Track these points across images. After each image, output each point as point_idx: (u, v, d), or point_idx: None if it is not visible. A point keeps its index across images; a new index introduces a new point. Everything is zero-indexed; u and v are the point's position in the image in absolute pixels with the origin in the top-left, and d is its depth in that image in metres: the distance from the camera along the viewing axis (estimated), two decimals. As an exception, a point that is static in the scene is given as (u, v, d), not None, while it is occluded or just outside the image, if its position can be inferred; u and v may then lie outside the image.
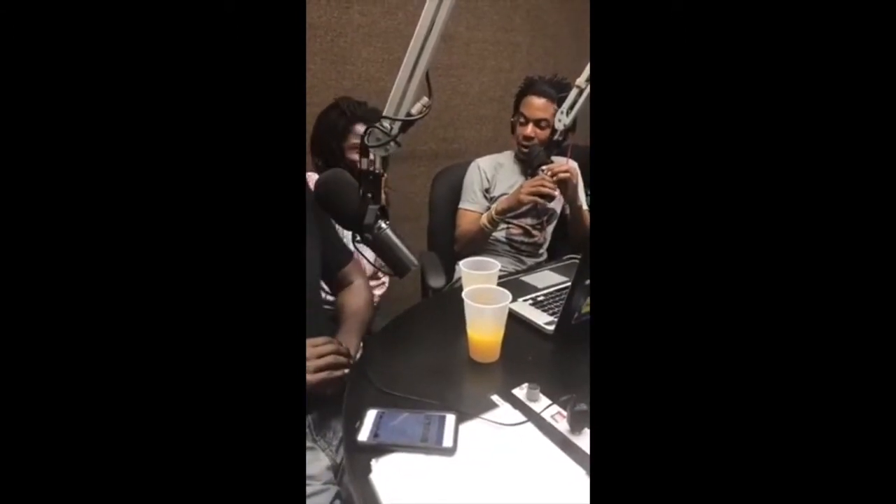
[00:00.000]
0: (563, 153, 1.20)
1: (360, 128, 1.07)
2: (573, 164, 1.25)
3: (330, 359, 0.64)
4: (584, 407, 0.53)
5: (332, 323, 0.86)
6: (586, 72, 0.98)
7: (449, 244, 1.31)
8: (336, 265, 0.90)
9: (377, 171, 0.66)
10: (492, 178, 1.27)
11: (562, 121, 1.06)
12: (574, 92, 1.02)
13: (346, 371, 0.66)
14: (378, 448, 0.51)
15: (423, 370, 0.68)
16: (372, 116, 1.07)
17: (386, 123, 0.62)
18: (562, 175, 1.10)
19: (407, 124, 0.62)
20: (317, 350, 0.64)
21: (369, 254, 1.12)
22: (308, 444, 0.69)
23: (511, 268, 1.26)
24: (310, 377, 0.62)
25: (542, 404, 0.59)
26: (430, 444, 0.52)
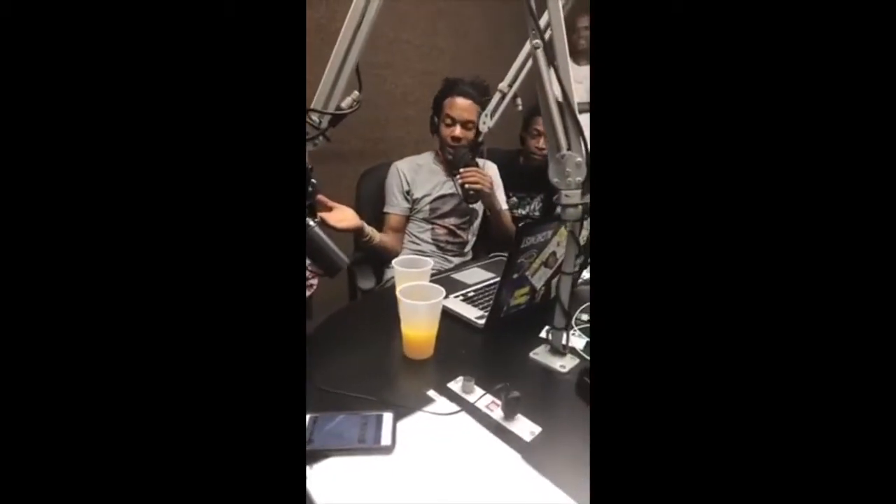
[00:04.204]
0: (480, 155, 1.24)
1: None
2: (492, 172, 1.29)
3: None
4: (517, 394, 0.56)
5: None
6: (509, 76, 1.02)
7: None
8: None
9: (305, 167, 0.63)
10: (411, 179, 1.28)
11: (486, 124, 1.10)
12: (497, 96, 1.06)
13: None
14: (312, 455, 0.49)
15: (359, 371, 0.67)
16: None
17: (314, 117, 0.60)
18: (474, 187, 1.13)
19: (337, 118, 0.60)
20: None
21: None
22: None
23: (438, 267, 1.27)
24: None
25: (477, 395, 0.61)
26: (369, 444, 0.51)
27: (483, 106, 1.16)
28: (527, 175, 1.47)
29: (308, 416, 0.54)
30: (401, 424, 0.54)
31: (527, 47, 0.94)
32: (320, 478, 0.47)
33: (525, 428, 0.55)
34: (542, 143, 1.42)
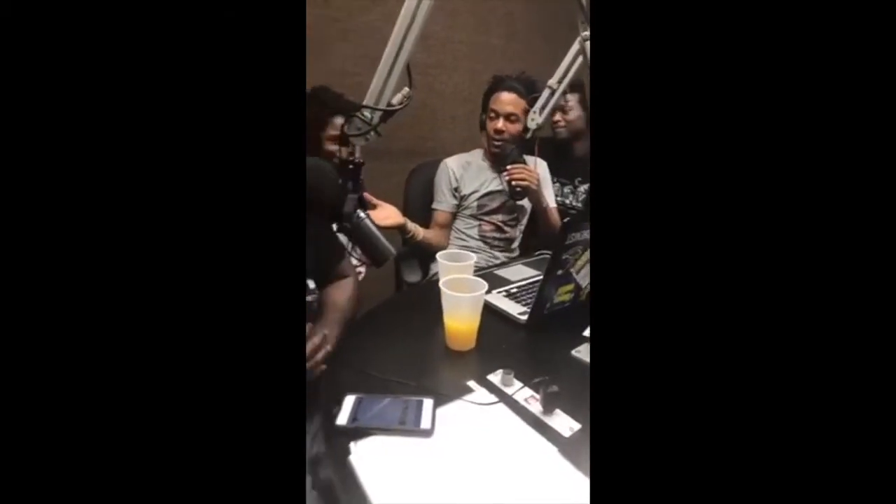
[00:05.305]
0: (531, 151, 1.23)
1: (339, 120, 1.07)
2: (540, 169, 1.28)
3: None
4: (556, 389, 0.56)
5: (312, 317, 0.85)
6: (558, 73, 1.01)
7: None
8: (336, 260, 0.88)
9: (357, 161, 0.67)
10: (460, 176, 1.29)
11: (535, 120, 1.09)
12: (546, 92, 1.05)
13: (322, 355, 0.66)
14: (357, 432, 0.52)
15: (401, 358, 0.69)
16: (351, 109, 1.07)
17: (367, 113, 0.63)
18: (521, 184, 1.13)
19: (388, 114, 0.63)
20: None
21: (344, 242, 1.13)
22: None
23: (484, 263, 1.28)
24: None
25: (516, 388, 0.61)
26: (409, 427, 0.53)
27: (529, 101, 1.16)
28: (559, 157, 1.44)
29: (353, 397, 0.57)
30: (440, 411, 0.56)
31: (576, 44, 0.93)
32: (362, 453, 0.49)
33: (564, 423, 0.55)
34: (557, 115, 1.42)
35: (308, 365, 0.63)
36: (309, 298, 0.94)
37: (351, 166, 0.67)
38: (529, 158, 1.22)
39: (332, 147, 1.09)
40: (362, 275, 1.27)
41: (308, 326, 0.66)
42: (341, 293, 0.86)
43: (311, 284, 0.92)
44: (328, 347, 0.65)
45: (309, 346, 0.64)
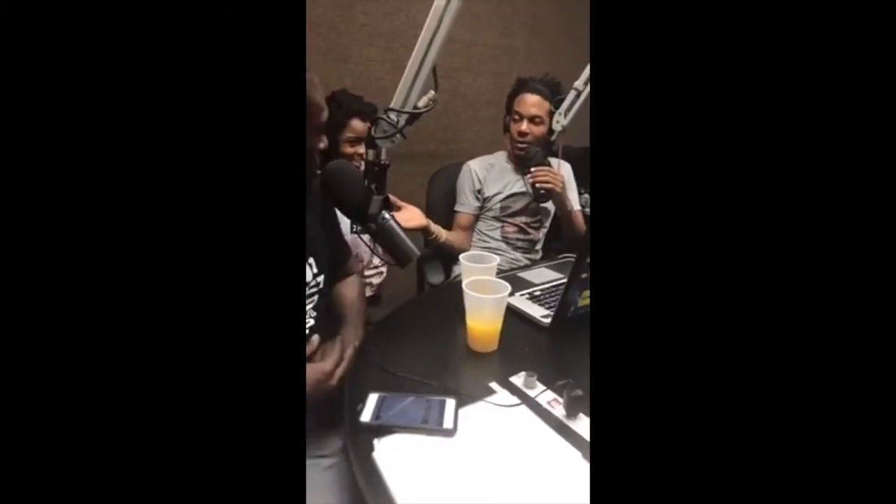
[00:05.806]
0: (554, 154, 1.22)
1: (356, 122, 1.09)
2: (564, 171, 1.27)
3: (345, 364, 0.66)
4: (580, 392, 0.55)
5: (324, 314, 0.87)
6: (584, 75, 1.01)
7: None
8: (345, 258, 0.90)
9: (383, 163, 0.68)
10: (483, 178, 1.30)
11: (560, 122, 1.09)
12: (572, 94, 1.05)
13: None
14: (380, 429, 0.53)
15: (424, 358, 0.70)
16: (368, 111, 1.09)
17: (392, 115, 0.64)
18: (545, 186, 1.12)
19: (414, 116, 0.64)
20: (334, 359, 0.65)
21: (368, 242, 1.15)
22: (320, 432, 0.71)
23: (506, 265, 1.28)
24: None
25: (539, 390, 0.61)
26: (431, 426, 0.53)
27: (554, 103, 1.15)
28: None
29: (376, 395, 0.58)
30: (462, 411, 0.56)
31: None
32: (386, 450, 0.50)
33: (588, 428, 0.54)
34: None
35: (343, 371, 0.65)
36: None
37: (376, 168, 0.68)
38: (553, 161, 1.21)
39: (350, 149, 1.11)
40: (384, 275, 1.28)
41: (319, 344, 0.68)
42: (352, 290, 0.88)
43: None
44: (355, 343, 0.67)
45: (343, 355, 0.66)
